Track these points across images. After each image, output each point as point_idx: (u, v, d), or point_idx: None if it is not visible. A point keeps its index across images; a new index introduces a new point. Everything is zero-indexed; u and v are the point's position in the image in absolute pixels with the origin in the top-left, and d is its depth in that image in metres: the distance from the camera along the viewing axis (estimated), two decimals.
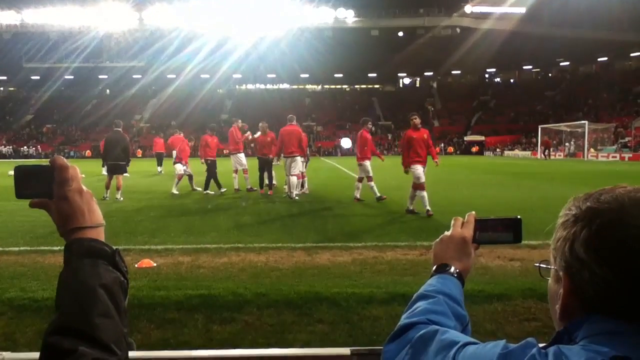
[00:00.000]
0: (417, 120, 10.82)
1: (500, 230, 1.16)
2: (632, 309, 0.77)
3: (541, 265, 0.95)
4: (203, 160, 15.43)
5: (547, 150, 47.12)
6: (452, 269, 1.13)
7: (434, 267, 1.17)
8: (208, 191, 14.90)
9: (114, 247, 0.94)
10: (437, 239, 1.20)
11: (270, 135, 14.66)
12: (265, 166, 14.48)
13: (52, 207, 0.93)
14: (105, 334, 0.80)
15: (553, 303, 0.90)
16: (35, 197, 0.94)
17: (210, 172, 15.10)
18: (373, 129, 13.26)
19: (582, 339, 0.79)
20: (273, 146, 14.10)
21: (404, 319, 1.02)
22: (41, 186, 0.93)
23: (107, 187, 13.49)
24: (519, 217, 1.16)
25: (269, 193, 14.18)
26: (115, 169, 13.56)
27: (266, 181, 14.59)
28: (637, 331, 0.76)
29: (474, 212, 1.21)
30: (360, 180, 12.78)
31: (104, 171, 21.66)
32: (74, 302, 0.84)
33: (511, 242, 1.16)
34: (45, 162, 0.96)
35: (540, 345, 0.82)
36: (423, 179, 10.28)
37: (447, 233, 1.19)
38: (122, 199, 13.22)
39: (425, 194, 10.18)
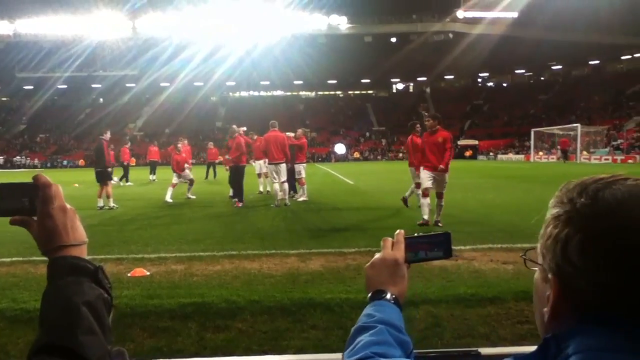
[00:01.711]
0: (428, 123, 10.05)
1: (430, 247, 1.12)
2: (630, 321, 0.69)
3: (527, 258, 0.89)
4: (227, 168, 15.32)
5: (565, 153, 46.46)
6: (389, 295, 1.07)
7: (369, 294, 1.10)
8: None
9: (97, 264, 0.94)
10: (368, 263, 1.13)
11: (237, 140, 13.90)
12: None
13: (34, 225, 0.93)
14: (90, 351, 0.80)
15: (539, 302, 0.83)
16: (17, 214, 0.93)
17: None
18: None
19: (573, 354, 0.71)
20: (235, 152, 13.59)
21: (346, 358, 0.96)
22: (23, 203, 0.93)
23: (99, 196, 13.48)
24: (448, 232, 1.12)
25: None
26: (99, 178, 13.59)
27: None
28: (635, 349, 0.68)
29: (402, 231, 1.15)
30: (417, 186, 11.83)
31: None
32: (58, 320, 0.83)
33: (442, 258, 1.12)
34: (27, 178, 0.96)
35: (522, 354, 0.77)
36: (425, 185, 9.70)
37: (377, 256, 1.13)
38: (115, 206, 13.23)
39: (424, 201, 9.66)
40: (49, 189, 0.92)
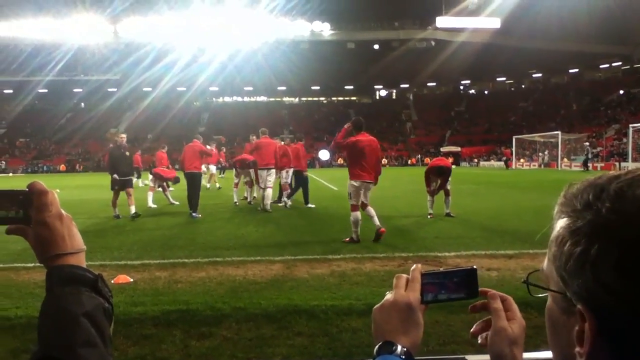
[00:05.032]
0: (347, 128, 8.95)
1: (452, 285, 0.95)
2: None
3: (531, 283, 0.73)
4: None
5: (508, 161, 50.53)
6: (399, 349, 0.86)
7: (377, 347, 0.89)
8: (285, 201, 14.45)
9: (97, 273, 0.91)
10: (378, 304, 0.93)
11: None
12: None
13: (30, 233, 0.91)
14: None
15: (558, 339, 0.68)
16: (11, 222, 0.91)
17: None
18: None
19: None
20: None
21: None
22: (18, 212, 0.91)
23: (130, 204, 12.77)
24: (473, 267, 0.96)
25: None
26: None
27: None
28: None
29: (419, 266, 0.96)
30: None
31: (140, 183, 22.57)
32: (56, 332, 0.81)
33: (464, 299, 0.94)
34: (6, 183, 0.93)
35: None
36: (353, 200, 8.73)
37: (389, 297, 0.93)
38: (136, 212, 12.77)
39: (356, 215, 8.64)
40: (44, 196, 0.90)
